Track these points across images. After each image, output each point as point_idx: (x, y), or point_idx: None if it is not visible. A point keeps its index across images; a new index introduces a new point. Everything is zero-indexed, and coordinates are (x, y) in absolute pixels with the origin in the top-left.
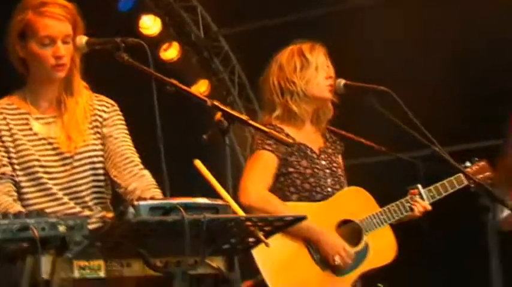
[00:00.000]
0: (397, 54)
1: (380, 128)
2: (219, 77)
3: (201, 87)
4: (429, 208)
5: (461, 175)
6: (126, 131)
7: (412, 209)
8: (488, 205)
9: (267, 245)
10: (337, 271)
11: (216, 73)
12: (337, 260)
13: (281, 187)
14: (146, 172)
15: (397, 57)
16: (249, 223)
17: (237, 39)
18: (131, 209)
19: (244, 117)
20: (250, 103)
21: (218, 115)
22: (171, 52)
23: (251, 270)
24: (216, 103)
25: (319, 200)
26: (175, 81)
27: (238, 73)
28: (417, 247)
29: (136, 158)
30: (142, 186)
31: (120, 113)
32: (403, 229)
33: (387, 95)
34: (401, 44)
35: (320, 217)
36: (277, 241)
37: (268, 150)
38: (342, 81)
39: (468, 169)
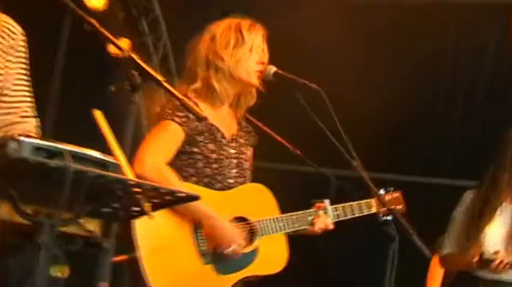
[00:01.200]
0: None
1: (304, 133)
2: (143, 39)
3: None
4: (331, 227)
5: (372, 200)
6: (26, 67)
7: (312, 224)
8: (393, 235)
9: (150, 217)
10: (219, 268)
11: (141, 35)
12: (230, 250)
13: (180, 166)
14: (32, 120)
15: (340, 62)
16: (137, 190)
17: (172, 6)
18: (13, 144)
19: (160, 77)
20: (170, 75)
21: (132, 69)
22: (98, 0)
23: (127, 245)
24: (133, 55)
25: (217, 190)
26: (94, 21)
27: (164, 41)
28: (309, 264)
29: (28, 99)
30: (22, 127)
31: (26, 45)
32: (297, 242)
33: (317, 95)
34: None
35: (215, 207)
36: (164, 220)
37: (177, 122)
38: (272, 69)
39: (381, 196)
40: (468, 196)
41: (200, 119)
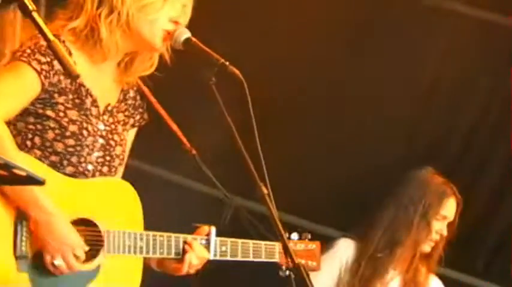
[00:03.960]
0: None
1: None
2: None
3: None
4: (207, 256)
5: (277, 244)
6: None
7: (181, 254)
8: None
9: None
10: (37, 282)
11: None
12: (58, 262)
13: (22, 131)
14: None
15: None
16: None
17: None
18: None
19: (30, 4)
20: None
21: None
22: None
23: None
24: None
25: (67, 175)
26: None
27: None
28: None
29: None
30: None
31: None
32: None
33: (238, 85)
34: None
35: (56, 197)
36: None
37: (34, 69)
38: (185, 34)
39: (291, 243)
40: (344, 246)
41: (72, 76)
